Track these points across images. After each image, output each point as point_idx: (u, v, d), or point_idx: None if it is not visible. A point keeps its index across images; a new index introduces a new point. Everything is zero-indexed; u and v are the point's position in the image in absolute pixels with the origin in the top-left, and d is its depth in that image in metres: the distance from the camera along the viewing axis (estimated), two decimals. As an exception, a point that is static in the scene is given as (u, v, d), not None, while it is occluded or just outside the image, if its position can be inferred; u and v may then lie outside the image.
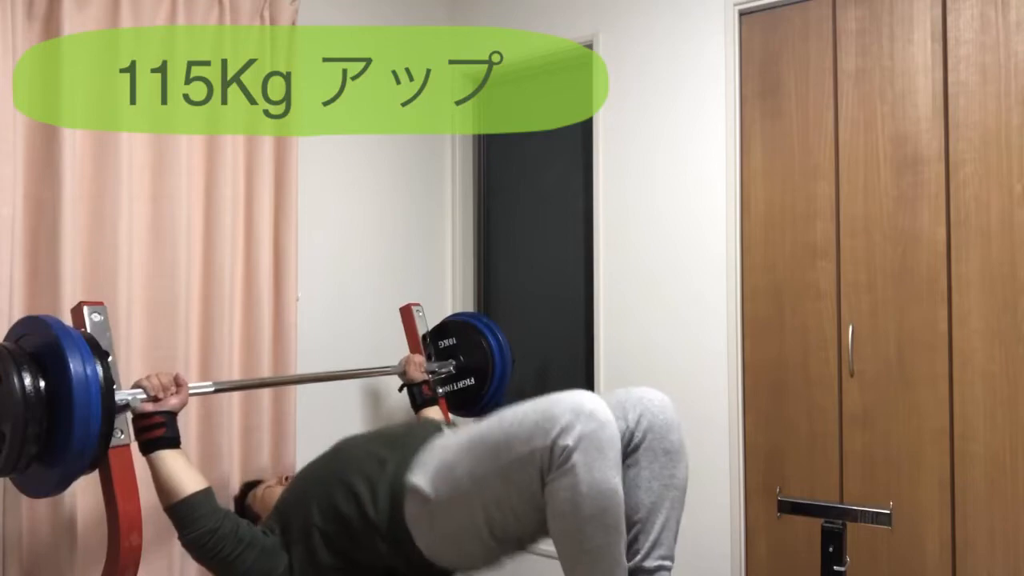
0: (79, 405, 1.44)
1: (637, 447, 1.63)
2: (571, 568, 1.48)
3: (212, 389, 1.87)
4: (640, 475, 1.61)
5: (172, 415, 1.68)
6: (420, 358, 2.50)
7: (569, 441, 1.40)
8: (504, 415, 1.55)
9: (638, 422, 1.63)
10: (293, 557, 1.72)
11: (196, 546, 1.61)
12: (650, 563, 1.57)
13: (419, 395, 2.45)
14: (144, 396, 1.65)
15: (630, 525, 1.58)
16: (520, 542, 1.61)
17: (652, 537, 1.58)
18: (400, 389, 2.51)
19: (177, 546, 2.09)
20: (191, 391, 1.77)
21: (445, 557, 1.61)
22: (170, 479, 1.62)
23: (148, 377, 1.69)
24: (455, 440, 1.63)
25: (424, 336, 2.64)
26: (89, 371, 1.47)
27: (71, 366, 1.45)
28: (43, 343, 1.50)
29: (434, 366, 2.56)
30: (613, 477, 1.43)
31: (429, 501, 1.56)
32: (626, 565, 1.51)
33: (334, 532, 1.69)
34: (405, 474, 1.65)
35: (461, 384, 2.65)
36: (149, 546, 2.03)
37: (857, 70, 2.40)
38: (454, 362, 2.64)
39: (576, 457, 1.40)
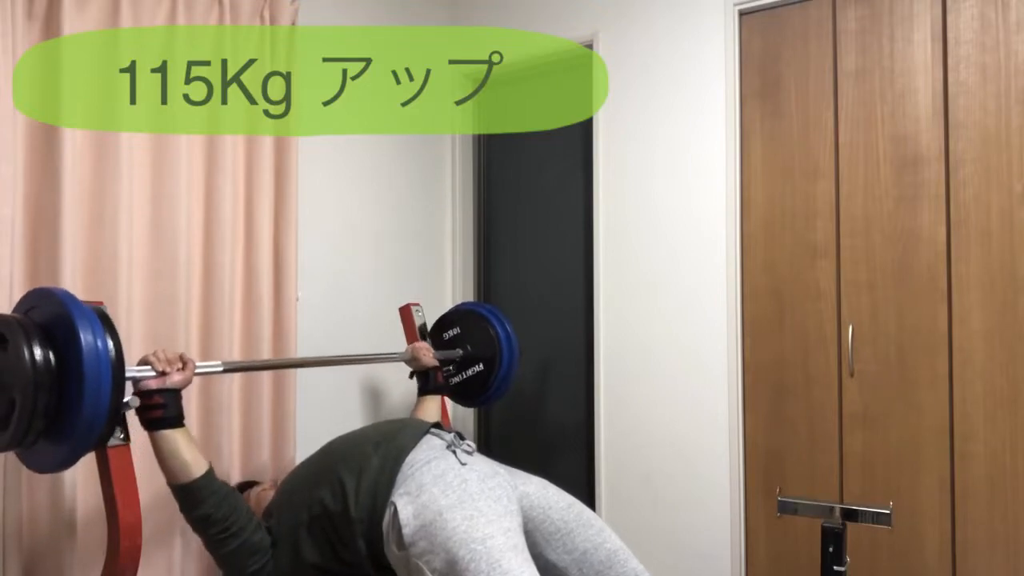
0: (90, 377, 1.43)
1: None
2: None
3: (221, 369, 1.86)
4: None
5: (175, 393, 1.69)
6: (427, 344, 2.48)
7: None
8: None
9: None
10: (278, 556, 1.77)
11: (192, 525, 1.73)
12: None
13: (432, 381, 2.41)
14: (152, 374, 1.66)
15: None
16: None
17: None
18: (411, 376, 2.47)
19: (178, 545, 2.11)
20: (198, 370, 1.77)
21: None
22: (171, 459, 1.66)
23: (154, 352, 1.70)
24: (448, 515, 1.62)
25: (421, 327, 2.61)
26: (100, 343, 1.46)
27: (82, 338, 1.43)
28: (53, 315, 1.48)
29: (440, 355, 2.52)
30: None
31: (403, 544, 1.63)
32: None
33: (320, 527, 1.75)
34: (391, 480, 1.73)
35: (471, 371, 2.60)
36: (149, 545, 2.03)
37: (857, 70, 2.40)
38: (461, 351, 2.61)
39: None
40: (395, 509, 1.66)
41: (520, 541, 1.62)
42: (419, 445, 1.82)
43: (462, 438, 1.89)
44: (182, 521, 2.08)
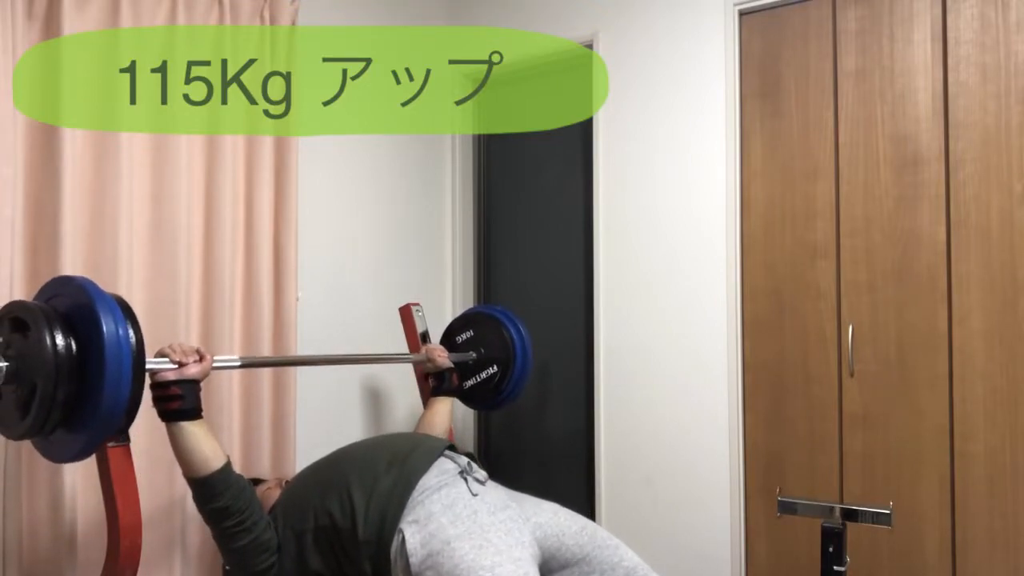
0: (111, 366, 1.42)
1: None
2: None
3: (238, 363, 1.86)
4: None
5: (192, 385, 1.68)
6: (441, 346, 2.48)
7: None
8: None
9: None
10: (282, 558, 1.76)
11: (206, 517, 1.71)
12: None
13: (447, 382, 2.42)
14: (171, 366, 1.66)
15: None
16: None
17: None
18: (427, 378, 2.48)
19: (179, 550, 2.10)
20: (216, 364, 1.76)
21: None
22: (190, 452, 1.65)
23: (170, 345, 1.70)
24: (456, 544, 1.63)
25: (423, 334, 2.62)
26: (121, 332, 1.45)
27: (104, 326, 1.43)
28: (75, 304, 1.48)
29: (454, 356, 2.51)
30: None
31: (410, 574, 1.63)
32: None
33: (326, 537, 1.75)
34: (400, 505, 1.72)
35: (484, 374, 2.59)
36: (151, 549, 2.03)
37: (857, 70, 2.40)
38: (475, 354, 2.60)
39: None
40: (403, 537, 1.66)
41: (532, 570, 1.61)
42: (431, 469, 1.81)
43: (475, 460, 1.89)
44: (182, 529, 2.09)
